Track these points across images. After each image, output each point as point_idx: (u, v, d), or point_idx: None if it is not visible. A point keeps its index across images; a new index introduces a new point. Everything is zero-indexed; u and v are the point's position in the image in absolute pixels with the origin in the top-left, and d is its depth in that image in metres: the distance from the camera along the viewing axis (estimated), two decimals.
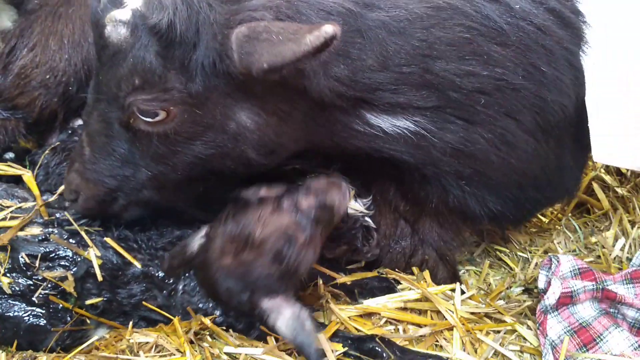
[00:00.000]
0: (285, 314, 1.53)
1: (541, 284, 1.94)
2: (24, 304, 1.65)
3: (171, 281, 1.74)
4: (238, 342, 1.66)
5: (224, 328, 1.71)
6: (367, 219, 1.90)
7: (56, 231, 1.72)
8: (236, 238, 1.55)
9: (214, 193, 1.77)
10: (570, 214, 2.40)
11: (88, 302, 1.70)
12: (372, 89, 1.56)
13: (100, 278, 1.68)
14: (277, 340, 1.66)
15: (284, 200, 1.61)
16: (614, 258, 2.21)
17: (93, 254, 1.69)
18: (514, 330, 1.94)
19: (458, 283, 2.01)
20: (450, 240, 2.10)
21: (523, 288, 2.15)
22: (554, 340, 1.83)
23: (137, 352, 1.63)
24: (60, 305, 1.68)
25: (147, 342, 1.65)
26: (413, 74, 1.56)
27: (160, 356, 1.60)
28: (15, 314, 1.64)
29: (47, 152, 1.93)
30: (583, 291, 1.85)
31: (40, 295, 1.66)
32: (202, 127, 1.52)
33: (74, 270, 1.69)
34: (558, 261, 1.92)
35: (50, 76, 1.95)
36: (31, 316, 1.65)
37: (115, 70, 1.46)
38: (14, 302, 1.64)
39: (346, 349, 1.69)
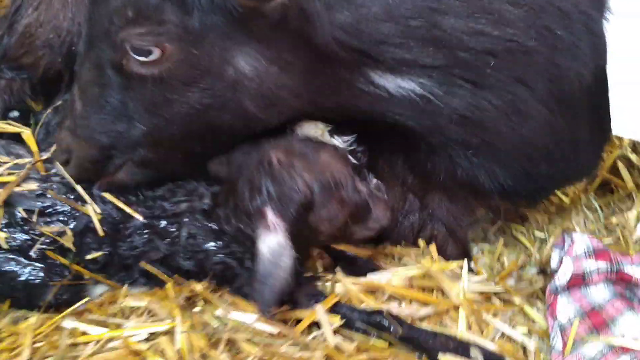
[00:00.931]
0: (275, 239, 1.52)
1: (554, 263, 1.85)
2: (22, 259, 1.63)
3: (174, 229, 1.70)
4: (232, 308, 1.61)
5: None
6: (349, 157, 1.82)
7: (55, 186, 1.69)
8: (293, 147, 1.63)
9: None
10: (593, 194, 2.29)
11: (88, 257, 1.67)
12: (377, 41, 1.48)
13: (101, 233, 1.66)
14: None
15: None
16: (636, 240, 2.09)
17: (91, 209, 1.66)
18: (524, 312, 1.85)
19: (466, 260, 1.92)
20: (460, 216, 2.02)
21: (538, 269, 2.05)
22: (564, 323, 1.74)
23: (129, 316, 1.60)
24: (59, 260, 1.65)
25: (139, 307, 1.62)
26: (420, 28, 1.48)
27: (152, 321, 1.57)
28: (12, 268, 1.62)
29: (49, 111, 1.92)
30: (597, 272, 1.75)
31: (38, 251, 1.64)
32: (199, 71, 1.46)
33: (72, 225, 1.67)
34: (572, 240, 1.82)
35: (54, 35, 1.93)
36: (28, 271, 1.63)
37: (108, 3, 1.42)
38: (11, 257, 1.62)
39: (344, 320, 1.62)
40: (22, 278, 1.63)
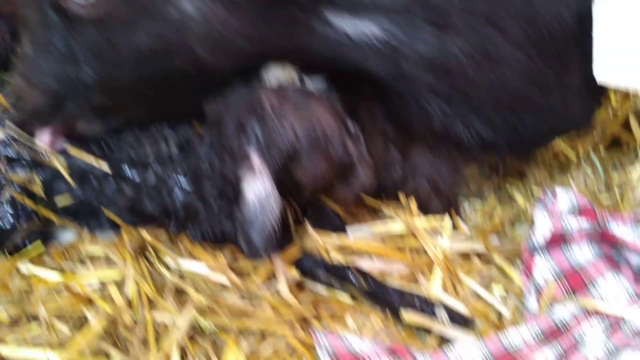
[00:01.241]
0: (260, 184, 1.49)
1: (537, 220, 1.74)
2: None
3: (140, 174, 1.69)
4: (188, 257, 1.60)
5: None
6: None
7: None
8: (287, 94, 1.58)
9: (178, 106, 1.69)
10: (592, 150, 2.14)
11: (58, 202, 1.68)
12: None
13: (72, 184, 1.66)
14: None
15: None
16: (637, 200, 1.95)
17: (57, 161, 1.65)
18: (504, 272, 1.77)
19: (447, 215, 1.84)
20: (444, 170, 1.92)
21: (529, 227, 1.95)
22: (540, 283, 1.64)
23: (85, 262, 1.61)
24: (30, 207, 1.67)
25: (99, 256, 1.62)
26: None
27: (107, 268, 1.57)
28: None
29: None
30: (578, 231, 1.64)
31: (8, 196, 1.65)
32: (140, 12, 1.42)
33: (41, 175, 1.67)
34: (554, 195, 1.70)
35: None
36: None
37: None
38: None
39: (302, 278, 1.59)
40: None
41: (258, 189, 1.49)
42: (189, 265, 1.55)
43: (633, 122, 2.17)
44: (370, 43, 1.50)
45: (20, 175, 1.66)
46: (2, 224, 1.66)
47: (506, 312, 1.66)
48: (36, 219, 1.68)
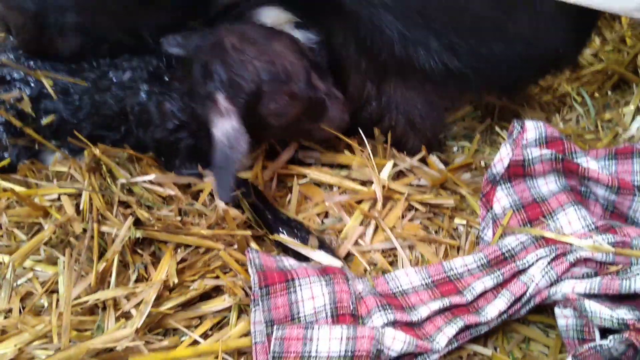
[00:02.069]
0: (229, 124, 1.50)
1: (500, 151, 1.66)
2: None
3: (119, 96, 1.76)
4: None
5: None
6: None
7: (11, 55, 1.78)
8: (247, 32, 1.59)
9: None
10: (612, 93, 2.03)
11: (43, 121, 1.77)
12: None
13: (54, 97, 1.74)
14: None
15: None
16: (629, 138, 1.84)
17: (41, 74, 1.73)
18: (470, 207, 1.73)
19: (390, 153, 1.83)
20: (420, 105, 1.87)
21: None
22: (498, 213, 1.59)
23: (52, 179, 1.70)
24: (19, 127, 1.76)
25: (64, 172, 1.71)
26: None
27: (68, 186, 1.65)
28: None
29: None
30: (540, 161, 1.57)
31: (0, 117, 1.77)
32: None
33: (28, 91, 1.76)
34: (522, 127, 1.62)
35: None
36: None
37: None
38: None
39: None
40: None
41: (226, 128, 1.51)
42: (137, 179, 1.60)
43: None
44: None
45: (10, 93, 1.76)
46: None
47: (463, 243, 1.63)
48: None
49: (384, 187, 1.68)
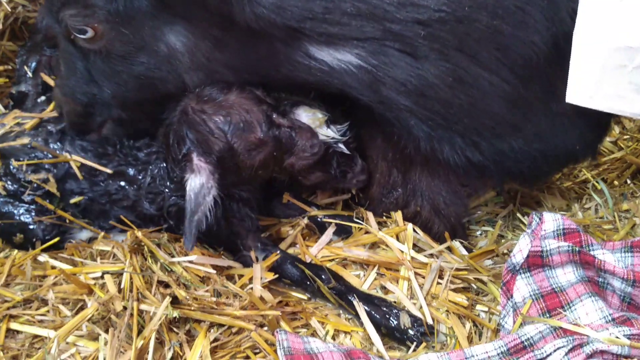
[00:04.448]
0: (197, 180, 1.63)
1: (519, 241, 1.74)
2: (17, 202, 1.90)
3: (141, 176, 1.89)
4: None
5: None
6: (340, 145, 1.84)
7: (40, 139, 1.93)
8: (204, 93, 1.69)
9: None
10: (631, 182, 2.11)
11: (71, 201, 1.91)
12: (303, 18, 1.49)
13: (80, 177, 1.88)
14: None
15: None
16: None
17: (69, 156, 1.89)
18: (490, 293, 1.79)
19: (410, 225, 1.92)
20: (445, 193, 1.97)
21: None
22: (518, 302, 1.65)
23: (96, 258, 1.81)
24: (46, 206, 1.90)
25: (107, 251, 1.82)
26: (344, 2, 1.50)
27: (110, 264, 1.76)
28: (10, 210, 1.90)
29: None
30: (557, 252, 1.64)
31: (29, 196, 1.89)
32: (133, 48, 1.62)
33: (54, 172, 1.90)
34: (540, 219, 1.71)
35: None
36: (22, 213, 1.90)
37: None
38: (7, 201, 1.90)
39: (277, 275, 1.72)
40: (18, 218, 1.90)
41: (196, 185, 1.63)
42: (178, 259, 1.71)
43: None
44: (349, 70, 1.59)
45: (38, 175, 1.90)
46: (26, 219, 1.91)
47: (486, 331, 1.69)
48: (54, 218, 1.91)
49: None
